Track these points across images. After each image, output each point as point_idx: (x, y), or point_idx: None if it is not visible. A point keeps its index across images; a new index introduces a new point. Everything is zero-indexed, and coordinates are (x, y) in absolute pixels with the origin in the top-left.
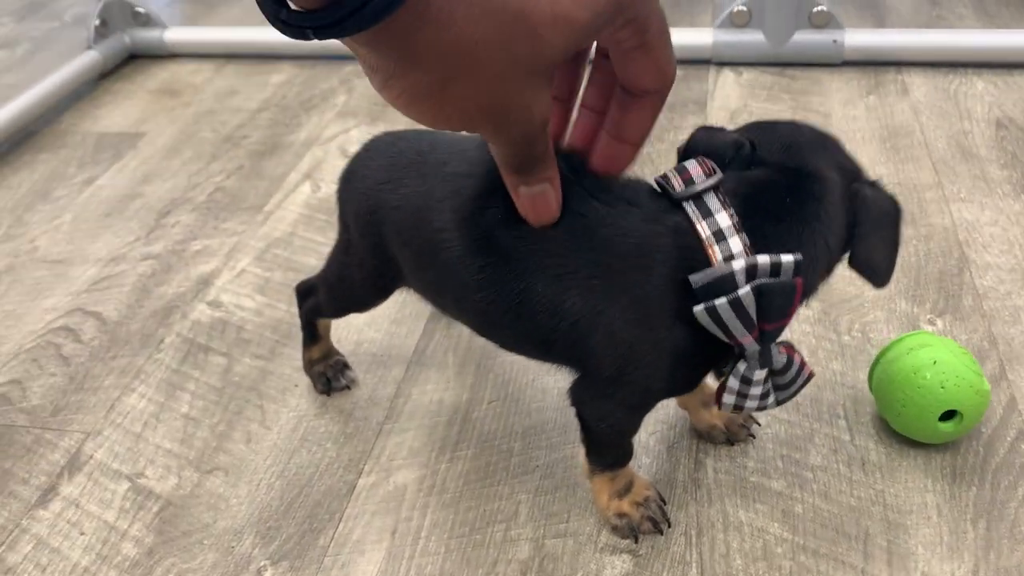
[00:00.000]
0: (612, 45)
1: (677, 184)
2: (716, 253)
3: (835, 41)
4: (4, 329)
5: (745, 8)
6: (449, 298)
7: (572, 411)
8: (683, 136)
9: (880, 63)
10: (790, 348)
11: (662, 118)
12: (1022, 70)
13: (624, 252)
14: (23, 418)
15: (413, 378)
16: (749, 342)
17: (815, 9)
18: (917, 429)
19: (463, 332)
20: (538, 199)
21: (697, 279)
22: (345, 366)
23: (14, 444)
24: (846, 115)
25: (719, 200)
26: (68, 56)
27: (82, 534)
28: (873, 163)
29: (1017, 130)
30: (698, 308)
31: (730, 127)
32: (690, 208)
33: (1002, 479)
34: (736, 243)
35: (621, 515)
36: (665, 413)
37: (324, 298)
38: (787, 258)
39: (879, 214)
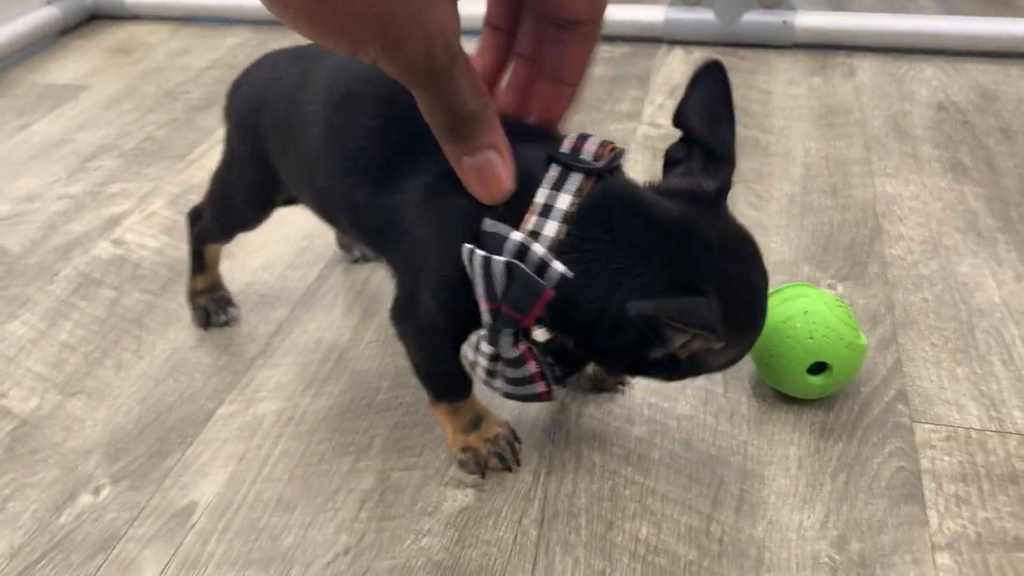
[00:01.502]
0: None
1: (566, 145)
2: (528, 222)
3: (785, 22)
4: None
5: None
6: (303, 175)
7: None
8: (623, 107)
9: (831, 46)
10: (531, 356)
11: (601, 90)
12: (972, 57)
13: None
14: None
15: (297, 319)
16: (484, 310)
17: None
18: (787, 381)
19: (357, 277)
20: (484, 170)
21: (487, 225)
22: (228, 302)
23: None
24: (787, 93)
25: (578, 186)
26: (28, 11)
27: None
28: (804, 137)
29: (958, 112)
30: (466, 245)
31: (671, 103)
32: (552, 171)
33: (871, 436)
34: (552, 228)
35: (466, 449)
36: None
37: (209, 219)
38: (558, 267)
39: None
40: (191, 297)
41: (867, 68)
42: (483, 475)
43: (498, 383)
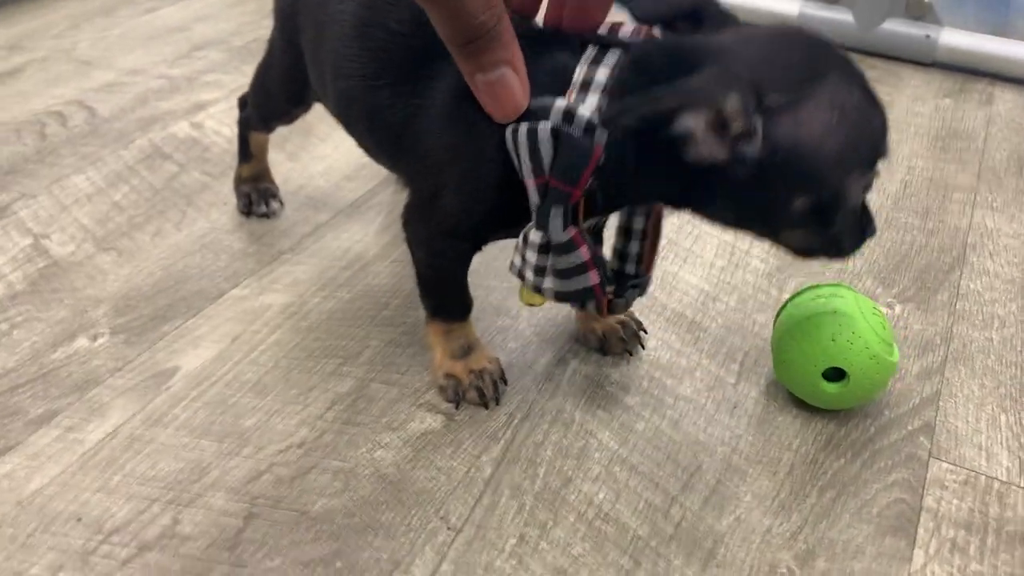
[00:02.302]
0: None
1: (602, 29)
2: (571, 96)
3: (928, 36)
4: (9, 103)
5: None
6: (329, 73)
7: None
8: None
9: (973, 71)
10: (582, 240)
11: None
12: None
13: None
14: None
15: (335, 224)
16: (531, 187)
17: None
18: (800, 383)
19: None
20: (498, 87)
21: (531, 104)
22: (272, 195)
23: None
24: (911, 110)
25: (617, 60)
26: None
27: None
28: (912, 155)
29: None
30: (510, 125)
31: None
32: (590, 50)
33: (879, 460)
34: (593, 100)
35: (449, 376)
36: (555, 312)
37: (250, 107)
38: (601, 130)
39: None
40: (236, 183)
41: (1008, 99)
42: (458, 406)
43: (547, 282)
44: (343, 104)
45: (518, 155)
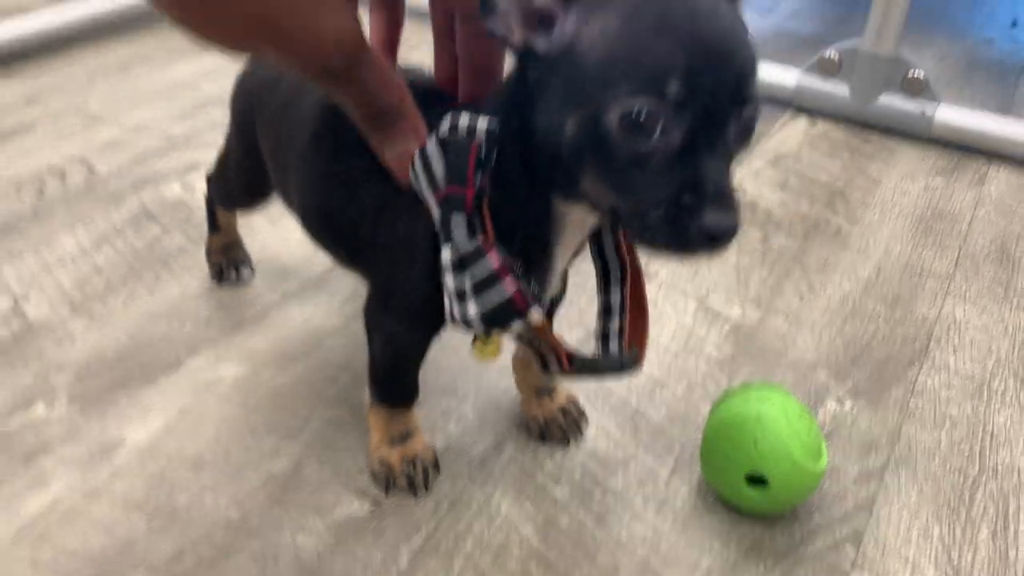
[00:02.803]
0: None
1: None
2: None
3: (924, 113)
4: (17, 158)
5: (836, 57)
6: (287, 178)
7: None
8: None
9: (970, 148)
10: (490, 246)
11: None
12: None
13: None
14: None
15: (300, 295)
16: (433, 205)
17: (910, 74)
18: (722, 482)
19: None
20: (405, 158)
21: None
22: (242, 262)
23: None
24: (898, 188)
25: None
26: None
27: None
28: (891, 237)
29: None
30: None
31: (769, 171)
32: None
33: (799, 570)
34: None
35: (383, 462)
36: (497, 391)
37: (212, 187)
38: (483, 123)
39: None
40: (207, 254)
41: (1001, 180)
42: (387, 492)
43: (471, 307)
44: (300, 207)
45: (419, 184)
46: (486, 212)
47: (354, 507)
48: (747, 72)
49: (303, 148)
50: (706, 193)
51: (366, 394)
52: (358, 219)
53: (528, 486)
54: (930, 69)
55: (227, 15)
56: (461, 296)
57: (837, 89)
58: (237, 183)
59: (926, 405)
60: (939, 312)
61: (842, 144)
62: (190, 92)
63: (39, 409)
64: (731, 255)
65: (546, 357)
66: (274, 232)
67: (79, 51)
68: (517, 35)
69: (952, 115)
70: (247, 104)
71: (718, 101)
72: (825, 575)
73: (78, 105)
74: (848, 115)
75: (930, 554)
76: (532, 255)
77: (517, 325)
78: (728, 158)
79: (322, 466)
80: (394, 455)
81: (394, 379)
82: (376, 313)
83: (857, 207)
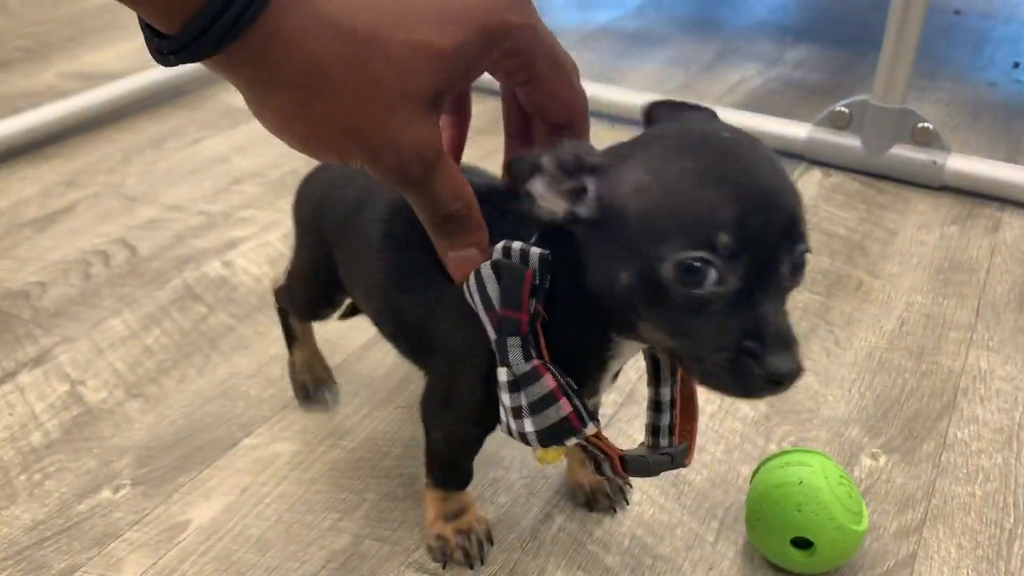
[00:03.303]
0: (503, 79)
1: None
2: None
3: (935, 162)
4: (61, 241)
5: (846, 110)
6: (357, 280)
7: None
8: None
9: (982, 195)
10: (545, 369)
11: None
12: None
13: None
14: (28, 312)
15: (346, 368)
16: (490, 329)
17: (919, 125)
18: (769, 548)
19: None
20: (465, 264)
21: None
22: (323, 381)
23: (9, 331)
24: (915, 239)
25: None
26: None
27: (10, 415)
28: (912, 289)
29: None
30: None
31: None
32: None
33: None
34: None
35: (439, 537)
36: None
37: (284, 299)
38: (535, 250)
39: None
40: (291, 371)
41: (1016, 226)
42: (444, 566)
43: (527, 425)
44: (371, 307)
45: (473, 301)
46: (540, 333)
47: None
48: (796, 213)
49: (377, 243)
50: (766, 337)
51: (415, 466)
52: (424, 318)
53: (579, 555)
54: (935, 115)
55: (325, 130)
56: (517, 413)
57: (849, 142)
58: (310, 291)
59: (958, 459)
60: (964, 363)
61: (857, 195)
62: (224, 167)
63: (106, 493)
64: None
65: (599, 460)
66: None
67: (113, 130)
68: (560, 211)
69: (962, 164)
70: (315, 207)
71: (770, 245)
72: None
73: (116, 185)
74: (861, 166)
75: None
76: (587, 370)
77: (572, 440)
78: (783, 297)
79: (381, 542)
80: (449, 529)
81: (451, 468)
82: (434, 409)
83: (876, 260)
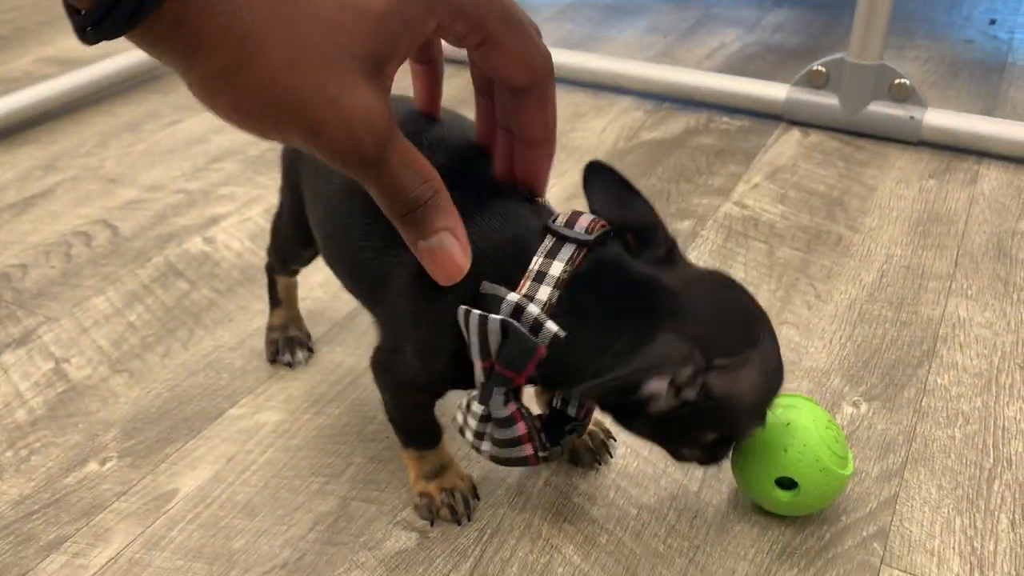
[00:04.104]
0: (456, 43)
1: (561, 219)
2: (523, 287)
3: (912, 118)
4: (41, 224)
5: (824, 69)
6: (320, 227)
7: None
8: (717, 181)
9: (959, 149)
10: (520, 416)
11: (701, 161)
12: None
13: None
14: (9, 294)
15: (330, 338)
16: (478, 369)
17: (896, 81)
18: (754, 489)
19: None
20: (437, 252)
21: (485, 287)
22: (300, 344)
23: None
24: (894, 193)
25: (571, 255)
26: None
27: None
28: (892, 242)
29: None
30: (462, 307)
31: (768, 184)
32: (547, 240)
33: (831, 570)
34: (544, 293)
35: (424, 495)
36: None
37: (270, 250)
38: (551, 326)
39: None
40: (268, 330)
41: (993, 178)
42: (432, 523)
43: (486, 446)
44: (331, 255)
45: (468, 335)
46: (522, 386)
47: (402, 540)
48: None
49: (339, 194)
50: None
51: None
52: (377, 277)
53: (565, 508)
54: (913, 73)
55: (258, 102)
56: (479, 436)
57: (827, 100)
58: (289, 232)
59: (938, 403)
60: (943, 312)
61: (835, 153)
62: (202, 147)
63: (92, 466)
64: (740, 271)
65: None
66: (298, 278)
67: (89, 114)
68: (673, 403)
69: (940, 118)
70: (292, 155)
71: None
72: (855, 573)
73: (94, 168)
74: (839, 124)
75: (954, 545)
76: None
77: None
78: None
79: (368, 503)
80: (432, 487)
81: (410, 428)
82: (380, 370)
83: (856, 214)
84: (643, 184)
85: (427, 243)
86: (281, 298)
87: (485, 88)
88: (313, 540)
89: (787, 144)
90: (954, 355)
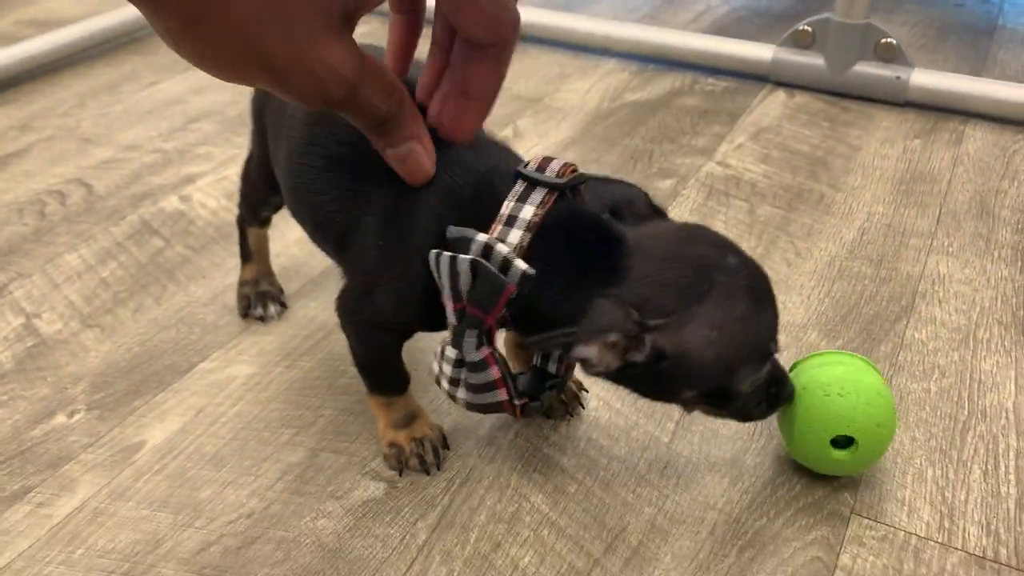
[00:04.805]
0: None
1: (532, 164)
2: (494, 230)
3: (898, 78)
4: (15, 183)
5: (810, 28)
6: (283, 174)
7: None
8: (701, 141)
9: (946, 109)
10: (493, 360)
11: (686, 121)
12: None
13: (434, 181)
14: None
15: (304, 293)
16: (450, 311)
17: (882, 41)
18: (809, 450)
19: None
20: (407, 158)
21: (452, 232)
22: (272, 298)
23: None
24: (878, 153)
25: (542, 199)
26: None
27: None
28: (874, 200)
29: None
30: (434, 250)
31: (751, 144)
32: (518, 185)
33: (801, 518)
34: (516, 236)
35: (392, 444)
36: None
37: (240, 199)
38: (520, 264)
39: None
40: (239, 285)
41: (978, 138)
42: (400, 473)
43: (460, 392)
44: (294, 203)
45: (439, 277)
46: (494, 327)
47: (370, 490)
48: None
49: (300, 141)
50: (780, 381)
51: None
52: (344, 223)
53: (535, 458)
54: (902, 36)
55: (223, 52)
56: (454, 383)
57: (812, 61)
58: (258, 176)
59: (915, 357)
60: (923, 268)
61: (821, 114)
62: (179, 108)
63: (60, 418)
64: (720, 228)
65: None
66: (274, 234)
67: (67, 75)
68: (615, 366)
69: (926, 78)
70: (259, 102)
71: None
72: (825, 522)
73: (71, 128)
74: (825, 85)
75: (925, 495)
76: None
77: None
78: None
79: (337, 454)
80: (401, 437)
81: (377, 371)
82: (348, 312)
83: (839, 174)
84: (626, 144)
85: (396, 151)
86: (252, 251)
87: (446, 43)
88: (280, 490)
89: (772, 105)
90: (932, 310)
